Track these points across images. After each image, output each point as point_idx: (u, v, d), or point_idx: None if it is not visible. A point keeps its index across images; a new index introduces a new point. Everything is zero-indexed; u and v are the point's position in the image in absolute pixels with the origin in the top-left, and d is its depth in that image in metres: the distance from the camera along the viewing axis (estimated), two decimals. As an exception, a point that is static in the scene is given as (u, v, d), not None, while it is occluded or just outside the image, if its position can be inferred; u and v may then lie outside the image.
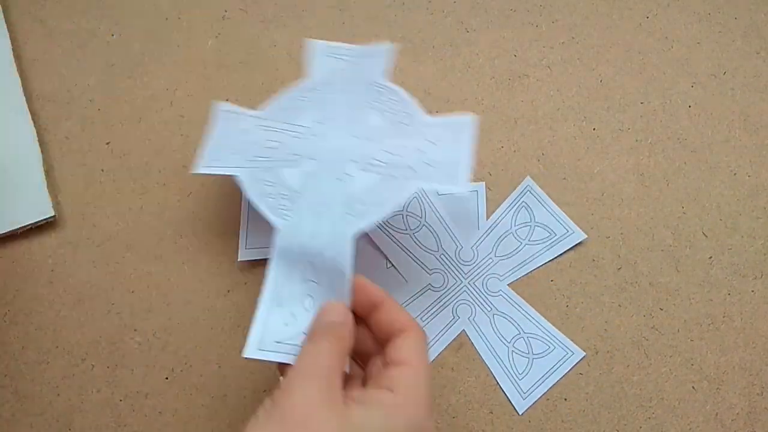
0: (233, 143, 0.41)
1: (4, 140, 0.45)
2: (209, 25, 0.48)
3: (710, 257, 0.44)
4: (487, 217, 0.44)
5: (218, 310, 0.42)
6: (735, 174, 0.46)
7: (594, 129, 0.46)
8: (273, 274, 0.36)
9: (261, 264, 0.43)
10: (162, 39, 0.48)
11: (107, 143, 0.46)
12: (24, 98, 0.46)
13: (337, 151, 0.39)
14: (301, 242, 0.36)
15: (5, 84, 0.46)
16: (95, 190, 0.45)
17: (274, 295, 0.36)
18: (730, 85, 0.48)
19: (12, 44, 0.47)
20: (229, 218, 0.44)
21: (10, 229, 0.43)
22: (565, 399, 0.41)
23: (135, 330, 0.42)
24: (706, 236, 0.44)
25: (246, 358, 0.33)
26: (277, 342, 0.34)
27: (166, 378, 0.41)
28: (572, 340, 0.42)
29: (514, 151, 0.46)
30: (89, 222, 0.44)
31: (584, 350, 0.42)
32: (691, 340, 0.42)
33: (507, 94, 0.47)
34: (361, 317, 0.34)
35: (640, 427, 0.40)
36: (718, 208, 0.45)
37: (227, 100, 0.46)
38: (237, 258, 0.42)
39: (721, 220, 0.45)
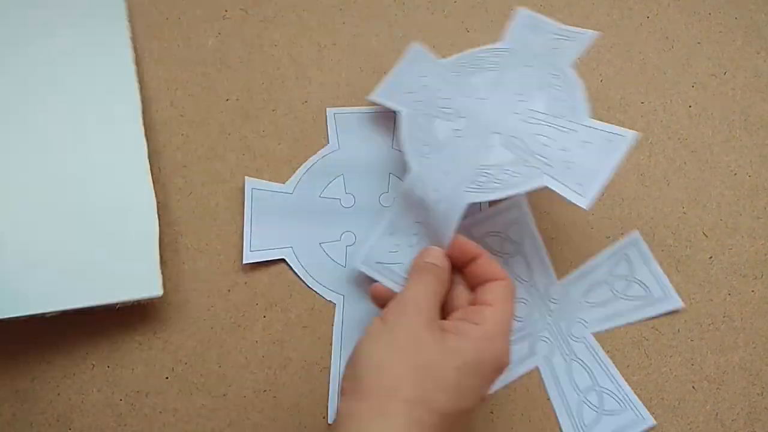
0: (410, 83, 0.43)
1: (124, 204, 0.41)
2: (209, 25, 0.48)
3: (710, 257, 0.44)
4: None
5: (218, 310, 0.42)
6: (735, 174, 0.46)
7: (594, 129, 0.46)
8: (395, 207, 0.40)
9: (261, 265, 0.43)
10: (162, 39, 0.48)
11: (107, 143, 0.46)
12: (149, 166, 0.42)
13: (490, 119, 0.40)
14: (424, 189, 0.39)
15: (132, 150, 0.42)
16: (95, 189, 0.45)
17: (390, 224, 0.40)
18: (730, 85, 0.48)
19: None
20: (229, 218, 0.44)
21: (115, 301, 0.39)
22: (565, 399, 0.41)
23: (135, 330, 0.42)
24: (706, 236, 0.44)
25: (353, 267, 0.41)
26: (378, 263, 0.39)
27: (166, 378, 0.41)
28: (572, 340, 0.42)
29: (514, 151, 0.46)
30: (89, 222, 0.44)
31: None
32: (691, 340, 0.42)
33: (507, 94, 0.47)
34: (457, 267, 0.37)
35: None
36: (718, 208, 0.45)
37: (227, 100, 0.46)
38: (242, 260, 0.42)
39: (721, 220, 0.45)
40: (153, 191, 0.42)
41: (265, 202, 0.43)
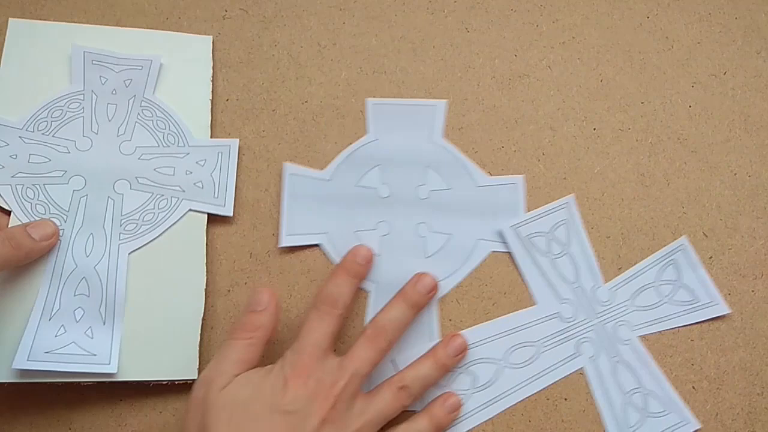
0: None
1: (176, 288, 0.41)
2: (209, 25, 0.48)
3: (710, 257, 0.44)
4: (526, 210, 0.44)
5: (218, 310, 0.42)
6: (735, 174, 0.46)
7: (594, 129, 0.46)
8: (44, 289, 0.39)
9: (262, 264, 0.43)
10: (162, 39, 0.48)
11: (107, 143, 0.46)
12: (205, 252, 0.42)
13: (106, 168, 0.42)
14: (74, 260, 0.40)
15: (193, 233, 0.42)
16: (95, 190, 0.45)
17: (46, 309, 0.39)
18: (730, 85, 0.48)
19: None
20: (229, 218, 0.44)
21: (151, 379, 0.39)
22: (565, 399, 0.41)
23: (135, 330, 0.42)
24: (706, 236, 0.44)
25: (16, 368, 0.37)
26: (47, 352, 0.38)
27: (166, 378, 0.41)
28: (572, 340, 0.42)
29: (515, 151, 0.46)
30: (89, 222, 0.44)
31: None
32: (691, 340, 0.42)
33: (507, 94, 0.47)
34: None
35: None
36: (718, 208, 0.45)
37: (227, 100, 0.46)
38: (279, 244, 0.43)
39: (721, 220, 0.45)
40: (205, 277, 0.41)
41: (303, 187, 0.44)
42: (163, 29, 0.48)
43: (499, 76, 0.48)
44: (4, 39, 0.44)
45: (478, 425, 0.40)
